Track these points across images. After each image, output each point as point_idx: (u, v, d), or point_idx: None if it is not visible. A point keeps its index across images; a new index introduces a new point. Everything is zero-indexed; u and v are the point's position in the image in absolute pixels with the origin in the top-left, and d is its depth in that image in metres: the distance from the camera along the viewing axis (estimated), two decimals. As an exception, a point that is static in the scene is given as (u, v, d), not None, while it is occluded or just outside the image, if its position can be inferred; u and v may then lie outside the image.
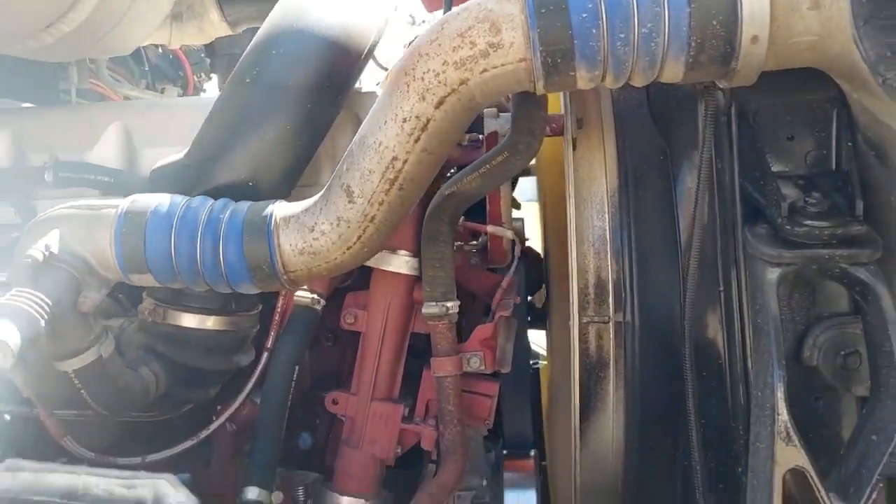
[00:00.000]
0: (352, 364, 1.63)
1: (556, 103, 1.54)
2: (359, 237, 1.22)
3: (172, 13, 2.13)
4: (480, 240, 1.62)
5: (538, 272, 1.91)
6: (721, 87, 1.20)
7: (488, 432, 1.69)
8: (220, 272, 1.27)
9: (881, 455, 1.01)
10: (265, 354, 1.55)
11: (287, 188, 1.45)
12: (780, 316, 1.10)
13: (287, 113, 1.42)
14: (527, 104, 1.29)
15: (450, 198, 1.40)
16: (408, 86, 1.11)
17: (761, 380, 1.08)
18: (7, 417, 1.41)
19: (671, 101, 1.42)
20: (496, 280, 1.60)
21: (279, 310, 1.55)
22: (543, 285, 1.98)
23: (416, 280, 1.53)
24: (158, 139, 1.70)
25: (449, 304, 1.45)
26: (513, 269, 1.57)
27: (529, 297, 2.09)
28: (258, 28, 1.50)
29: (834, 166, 1.19)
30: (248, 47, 1.48)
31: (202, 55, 2.93)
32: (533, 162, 1.89)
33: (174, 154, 1.49)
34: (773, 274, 1.11)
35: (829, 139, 1.20)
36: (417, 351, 1.63)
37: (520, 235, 1.80)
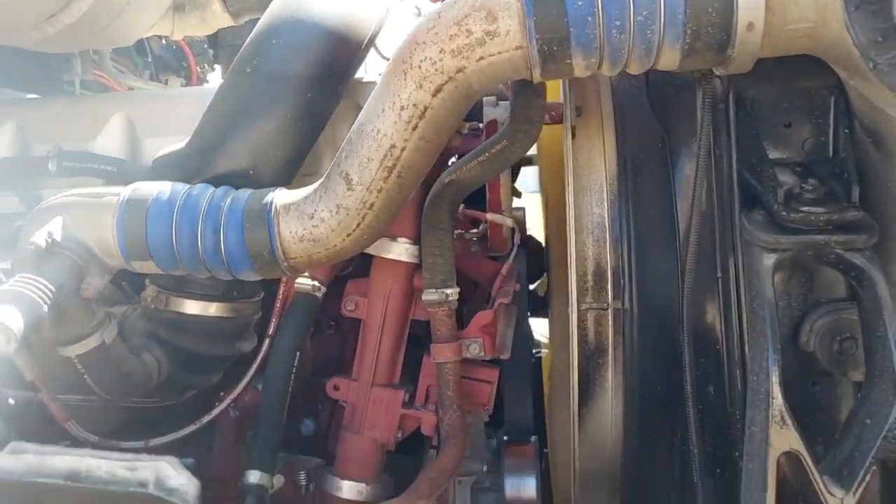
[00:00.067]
0: (353, 351, 1.65)
1: (556, 91, 1.54)
2: (358, 224, 1.24)
3: (175, 4, 2.14)
4: (481, 228, 1.63)
5: (539, 261, 1.92)
6: (718, 74, 1.20)
7: (490, 419, 1.71)
8: (220, 259, 1.29)
9: (875, 439, 1.01)
10: (267, 341, 1.56)
11: (287, 176, 1.46)
12: (776, 302, 1.11)
13: (287, 102, 1.44)
14: (525, 92, 1.29)
15: (449, 185, 1.41)
16: (405, 74, 1.12)
17: (757, 364, 1.09)
18: (11, 401, 1.42)
19: (670, 89, 1.43)
20: (496, 268, 1.61)
21: (280, 297, 1.57)
22: (545, 274, 1.99)
23: (416, 267, 1.54)
24: (161, 129, 1.71)
25: (448, 291, 1.46)
26: (512, 256, 1.58)
27: (532, 286, 2.11)
28: (260, 19, 1.51)
29: (831, 153, 1.20)
30: (249, 37, 1.49)
31: (205, 46, 2.94)
32: (534, 152, 1.91)
33: (177, 143, 1.51)
34: (769, 260, 1.12)
35: (826, 126, 1.20)
36: (418, 338, 1.64)
37: (520, 224, 1.81)
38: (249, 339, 1.58)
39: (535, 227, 2.02)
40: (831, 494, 1.03)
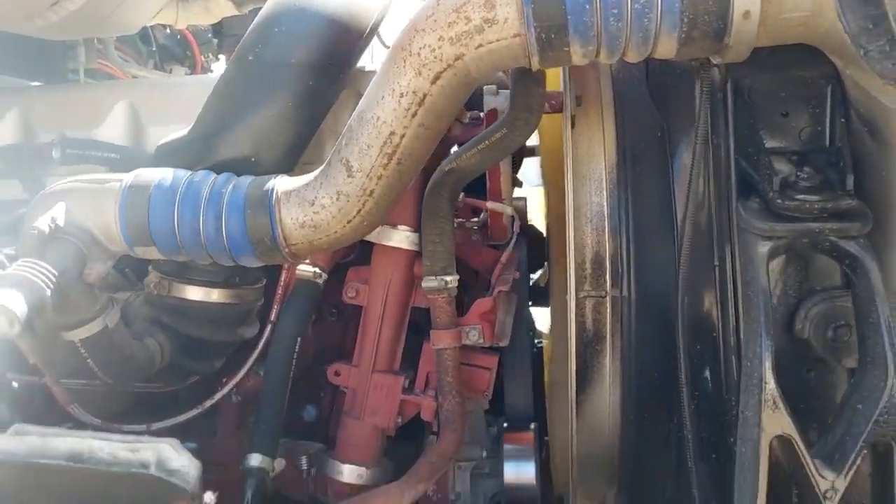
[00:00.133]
0: (354, 338, 1.66)
1: (557, 81, 1.55)
2: (358, 211, 1.25)
3: (179, -7, 2.16)
4: (481, 217, 1.64)
5: (541, 250, 1.93)
6: (716, 63, 1.21)
7: (491, 407, 1.72)
8: (222, 245, 1.30)
9: (866, 423, 1.03)
10: (269, 327, 1.57)
11: (289, 164, 1.48)
12: (769, 288, 1.12)
13: (289, 89, 1.45)
14: (525, 81, 1.30)
15: (449, 174, 1.42)
16: (404, 61, 1.13)
17: (750, 350, 1.10)
18: (14, 385, 1.44)
19: (669, 78, 1.43)
20: (497, 256, 1.63)
21: (282, 283, 1.58)
22: (546, 264, 2.00)
23: (416, 255, 1.56)
24: (164, 117, 1.73)
25: (448, 279, 1.47)
26: (511, 244, 1.59)
27: (534, 277, 2.12)
28: (264, 7, 1.52)
29: (828, 142, 1.21)
30: (252, 25, 1.50)
31: (210, 35, 2.95)
32: (537, 143, 1.92)
33: (180, 131, 1.52)
34: (763, 247, 1.13)
35: (823, 116, 1.21)
36: (418, 326, 1.66)
37: (522, 214, 1.82)
38: (252, 325, 1.60)
39: (540, 222, 2.03)
40: (822, 477, 1.04)
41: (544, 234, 1.96)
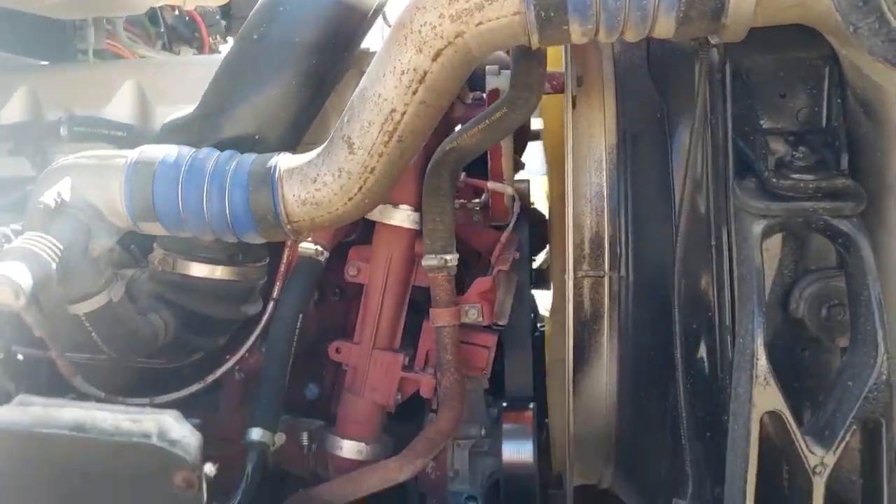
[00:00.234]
0: (356, 316, 1.68)
1: (559, 61, 1.56)
2: (360, 188, 1.26)
3: (187, -26, 2.17)
4: (483, 197, 1.65)
5: (543, 232, 1.94)
6: (714, 44, 1.22)
7: (493, 389, 1.74)
8: (226, 221, 1.31)
9: (855, 400, 1.04)
10: (271, 304, 1.59)
11: (292, 142, 1.49)
12: (763, 267, 1.13)
13: (292, 68, 1.46)
14: (525, 59, 1.31)
15: (450, 153, 1.43)
16: (405, 38, 1.14)
17: (743, 327, 1.11)
18: (20, 357, 1.46)
19: (669, 59, 1.44)
20: (498, 237, 1.64)
21: (284, 261, 1.60)
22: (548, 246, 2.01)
23: (417, 234, 1.57)
24: (171, 96, 1.75)
25: (448, 257, 1.48)
26: (511, 224, 1.60)
27: (538, 261, 2.13)
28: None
29: (825, 123, 1.21)
30: (257, 5, 1.52)
31: (218, 17, 2.96)
32: (541, 127, 1.93)
33: (186, 110, 1.53)
34: (758, 226, 1.14)
35: (820, 96, 1.22)
36: (419, 306, 1.67)
37: (524, 196, 1.83)
38: (255, 302, 1.61)
39: (545, 208, 2.03)
40: (812, 453, 1.05)
41: (547, 218, 1.97)
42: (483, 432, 1.68)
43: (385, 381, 1.59)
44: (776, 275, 1.24)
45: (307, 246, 1.56)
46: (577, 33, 1.10)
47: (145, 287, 1.52)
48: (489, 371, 1.62)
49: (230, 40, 3.09)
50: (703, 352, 1.34)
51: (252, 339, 1.59)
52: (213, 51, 2.98)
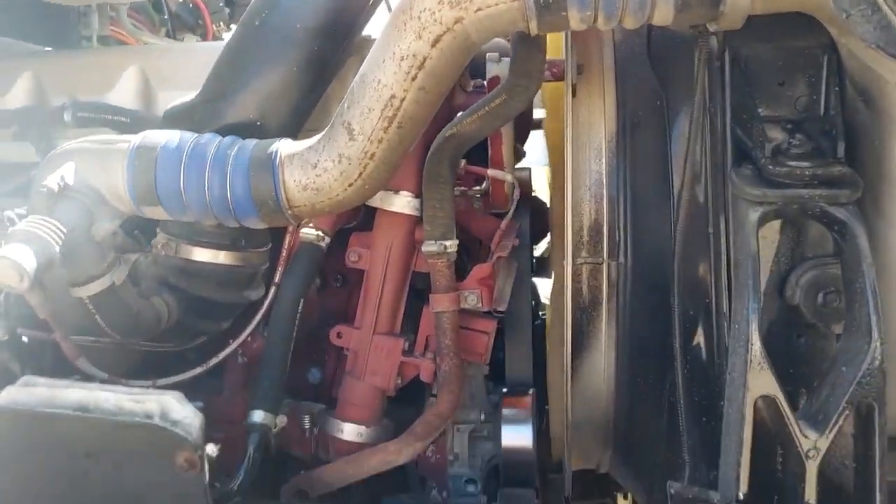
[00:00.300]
0: (358, 302, 1.69)
1: (559, 49, 1.56)
2: (360, 174, 1.27)
3: (190, -40, 2.18)
4: (483, 185, 1.66)
5: (544, 220, 1.95)
6: (713, 32, 1.22)
7: (493, 375, 1.75)
8: (227, 206, 1.33)
9: (849, 385, 1.05)
10: (273, 289, 1.60)
11: (294, 128, 1.50)
12: (758, 253, 1.14)
13: (294, 55, 1.47)
14: (524, 46, 1.31)
15: (450, 139, 1.43)
16: (405, 24, 1.15)
17: (738, 313, 1.12)
18: (24, 339, 1.48)
19: (669, 47, 1.44)
20: (498, 224, 1.65)
21: (286, 246, 1.61)
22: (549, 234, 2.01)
23: (418, 220, 1.58)
24: (174, 82, 1.76)
25: (447, 243, 1.49)
26: (511, 211, 1.61)
27: (540, 249, 2.14)
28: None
29: (823, 111, 1.22)
30: (260, -10, 1.53)
31: (221, 4, 2.98)
32: (543, 116, 1.93)
33: (189, 96, 1.55)
34: (754, 213, 1.15)
35: (819, 85, 1.22)
36: (420, 292, 1.68)
37: (525, 184, 1.83)
38: (257, 287, 1.63)
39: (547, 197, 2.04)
40: (805, 437, 1.07)
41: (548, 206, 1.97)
42: (483, 417, 1.70)
43: (385, 365, 1.60)
44: (773, 262, 1.25)
45: (308, 231, 1.57)
46: (575, 20, 1.10)
47: (148, 271, 1.53)
48: (488, 356, 1.63)
49: (233, 27, 3.09)
50: (700, 338, 1.35)
51: (254, 323, 1.60)
52: (217, 38, 3.00)
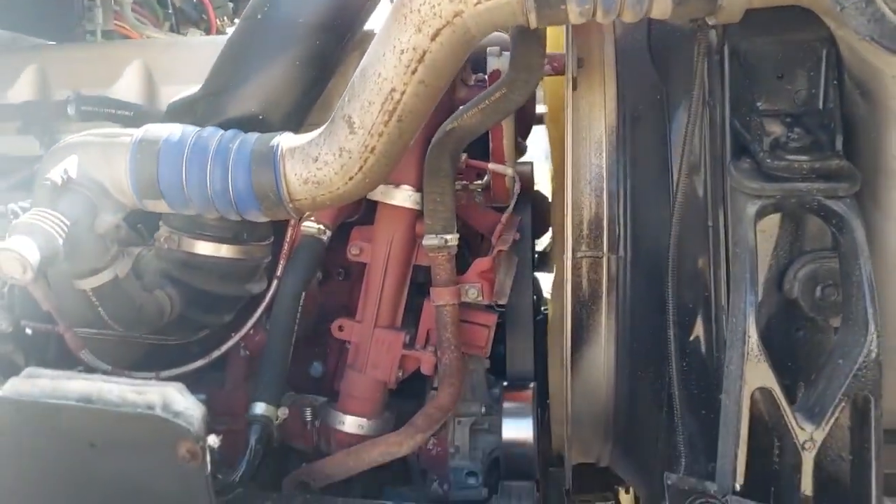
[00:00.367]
0: (360, 296, 1.70)
1: (561, 43, 1.57)
2: (360, 168, 1.27)
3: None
4: (485, 179, 1.66)
5: (546, 215, 1.96)
6: (712, 25, 1.22)
7: (494, 369, 1.76)
8: (229, 199, 1.34)
9: (845, 377, 1.06)
10: (275, 282, 1.61)
11: (295, 122, 1.51)
12: (756, 247, 1.14)
13: (295, 48, 1.48)
14: (524, 40, 1.32)
15: (450, 133, 1.44)
16: (405, 18, 1.15)
17: (736, 306, 1.13)
18: (28, 332, 1.49)
19: (669, 41, 1.45)
20: (499, 218, 1.65)
21: (288, 240, 1.62)
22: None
23: (419, 214, 1.59)
24: (177, 76, 1.76)
25: (448, 237, 1.50)
26: (512, 205, 1.62)
27: (543, 244, 2.15)
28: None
29: (821, 105, 1.22)
30: (262, -15, 1.53)
31: (225, -1, 2.99)
32: (545, 111, 1.93)
33: (192, 90, 1.55)
34: (752, 207, 1.16)
35: (818, 78, 1.23)
36: (422, 287, 1.69)
37: (527, 178, 1.84)
38: (259, 281, 1.64)
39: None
40: (801, 429, 1.07)
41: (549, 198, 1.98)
42: (484, 410, 1.71)
43: (386, 358, 1.61)
44: (772, 256, 1.26)
45: (310, 225, 1.58)
46: (574, 13, 1.11)
47: (151, 264, 1.55)
48: (489, 350, 1.64)
49: (237, 22, 3.10)
50: (698, 331, 1.36)
51: (256, 316, 1.61)
52: (221, 32, 3.00)
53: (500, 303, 1.61)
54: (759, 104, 1.22)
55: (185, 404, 1.16)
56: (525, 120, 1.85)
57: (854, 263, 1.08)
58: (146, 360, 1.64)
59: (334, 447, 1.63)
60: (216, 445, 1.20)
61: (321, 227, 1.59)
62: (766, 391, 1.09)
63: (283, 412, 1.52)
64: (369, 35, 1.67)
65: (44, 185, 1.29)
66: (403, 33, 1.16)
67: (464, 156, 1.57)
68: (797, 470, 1.09)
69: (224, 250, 1.53)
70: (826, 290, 1.19)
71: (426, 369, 1.62)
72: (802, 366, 1.25)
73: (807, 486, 1.09)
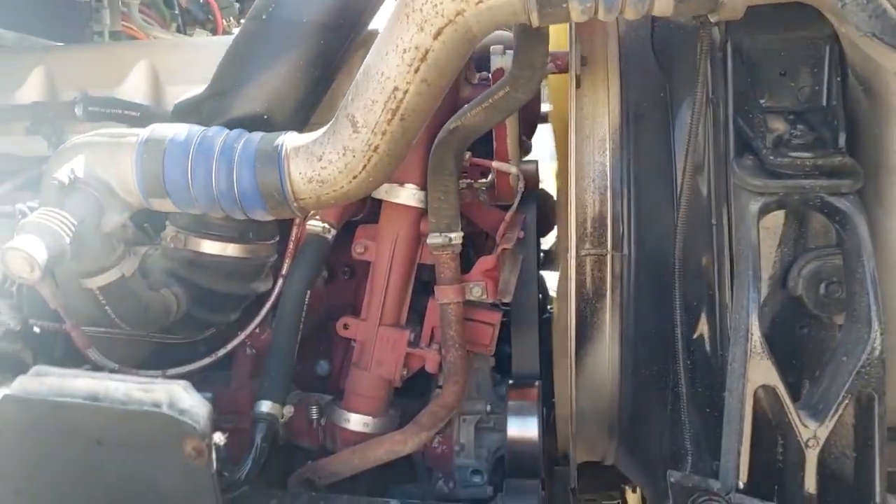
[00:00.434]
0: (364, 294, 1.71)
1: (565, 41, 1.57)
2: (364, 166, 1.28)
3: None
4: (489, 177, 1.66)
5: (551, 213, 1.96)
6: (715, 22, 1.22)
7: (500, 368, 1.76)
8: (234, 198, 1.34)
9: (848, 375, 1.05)
10: (280, 281, 1.62)
11: (300, 121, 1.52)
12: (759, 244, 1.14)
13: (300, 48, 1.49)
14: (527, 39, 1.32)
15: (454, 132, 1.44)
16: (408, 17, 1.15)
17: (739, 303, 1.13)
18: (36, 330, 1.51)
19: (673, 39, 1.45)
20: (503, 217, 1.66)
21: (293, 239, 1.63)
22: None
23: (423, 212, 1.59)
24: (183, 76, 1.77)
25: (452, 235, 1.50)
26: (516, 203, 1.62)
27: (550, 243, 2.15)
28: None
29: (825, 102, 1.22)
30: (267, -15, 1.54)
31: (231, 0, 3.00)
32: (550, 109, 1.94)
33: (198, 90, 1.56)
34: (756, 204, 1.15)
35: (821, 75, 1.23)
36: (427, 285, 1.70)
37: (532, 177, 1.84)
38: (265, 280, 1.65)
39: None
40: (805, 426, 1.07)
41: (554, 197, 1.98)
42: (489, 408, 1.71)
43: (391, 356, 1.62)
44: (776, 253, 1.25)
45: (315, 224, 1.59)
46: (576, 11, 1.11)
47: (158, 263, 1.56)
48: (493, 347, 1.64)
49: (243, 22, 3.11)
50: (703, 329, 1.36)
51: (262, 314, 1.62)
52: (227, 33, 3.01)
53: (505, 301, 1.62)
54: (762, 101, 1.21)
55: (190, 402, 1.17)
56: (530, 118, 1.85)
57: (857, 260, 1.08)
58: (153, 358, 1.66)
59: (339, 445, 1.64)
60: (222, 443, 1.21)
61: (326, 225, 1.59)
62: (769, 388, 1.09)
63: (288, 410, 1.53)
64: (374, 35, 1.67)
65: (51, 185, 1.31)
66: (406, 32, 1.16)
67: (468, 154, 1.57)
68: (801, 467, 1.09)
69: (230, 249, 1.54)
70: (830, 288, 1.19)
71: (431, 367, 1.62)
72: (807, 363, 1.25)
73: (810, 483, 1.09)
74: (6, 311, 1.49)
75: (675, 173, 1.43)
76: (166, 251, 1.55)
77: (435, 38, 1.15)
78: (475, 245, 1.81)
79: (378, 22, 1.68)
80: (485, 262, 1.56)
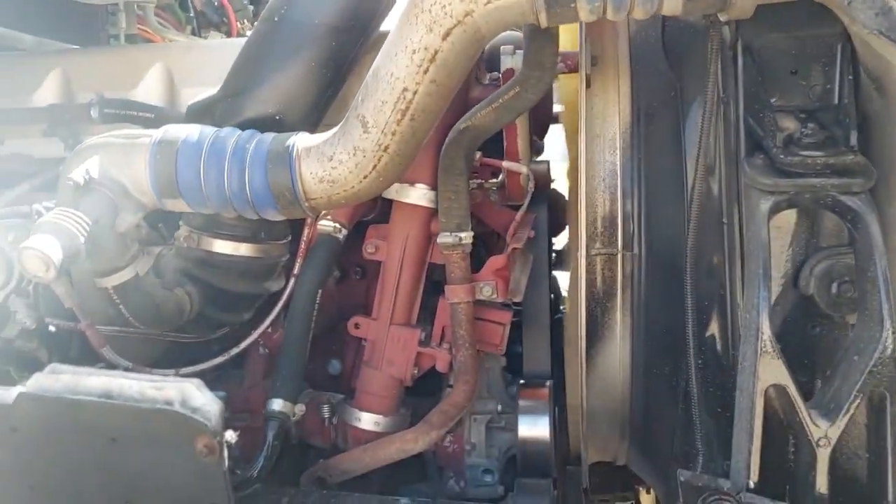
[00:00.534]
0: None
1: (575, 41, 1.57)
2: (374, 166, 1.29)
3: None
4: (500, 177, 1.67)
5: (563, 213, 1.96)
6: (725, 21, 1.22)
7: (511, 369, 1.77)
8: (246, 198, 1.35)
9: (860, 374, 1.05)
10: (292, 280, 1.63)
11: (312, 122, 1.53)
12: (769, 243, 1.14)
13: (312, 49, 1.50)
14: (537, 39, 1.32)
15: (464, 132, 1.44)
16: (416, 18, 1.16)
17: (749, 302, 1.13)
18: (52, 329, 1.53)
19: (683, 37, 1.44)
20: (514, 216, 1.66)
21: (305, 238, 1.63)
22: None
23: (433, 212, 1.60)
24: (198, 78, 1.79)
25: (463, 235, 1.50)
26: (526, 203, 1.62)
27: (562, 243, 2.15)
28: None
29: (837, 100, 1.21)
30: (280, -13, 1.55)
31: (245, 2, 3.02)
32: (561, 109, 1.94)
33: (210, 91, 1.58)
34: (766, 203, 1.15)
35: (833, 73, 1.22)
36: (438, 285, 1.70)
37: (543, 177, 1.84)
38: (277, 279, 1.66)
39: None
40: (816, 426, 1.06)
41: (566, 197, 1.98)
42: (500, 408, 1.71)
43: (402, 355, 1.62)
44: (788, 252, 1.25)
45: (326, 224, 1.60)
46: (584, 11, 1.11)
47: (171, 263, 1.57)
48: (504, 347, 1.65)
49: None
50: (714, 328, 1.36)
51: (274, 313, 1.63)
52: (241, 35, 3.03)
53: (516, 300, 1.62)
54: (772, 100, 1.21)
55: (202, 400, 1.18)
56: (542, 119, 1.85)
57: (869, 259, 1.08)
58: (166, 357, 1.67)
59: (351, 443, 1.65)
60: (234, 441, 1.22)
61: (337, 225, 1.60)
62: (780, 388, 1.08)
63: (300, 409, 1.54)
64: (385, 36, 1.68)
65: (66, 186, 1.32)
66: (415, 33, 1.17)
67: (478, 154, 1.57)
68: (812, 467, 1.09)
69: (243, 249, 1.55)
70: (842, 287, 1.19)
71: (441, 367, 1.63)
72: (819, 363, 1.24)
73: (822, 483, 1.09)
74: (23, 310, 1.51)
75: (685, 173, 1.42)
76: (180, 251, 1.56)
77: (444, 38, 1.15)
78: (486, 245, 1.82)
79: (389, 24, 1.69)
80: (495, 262, 1.56)
